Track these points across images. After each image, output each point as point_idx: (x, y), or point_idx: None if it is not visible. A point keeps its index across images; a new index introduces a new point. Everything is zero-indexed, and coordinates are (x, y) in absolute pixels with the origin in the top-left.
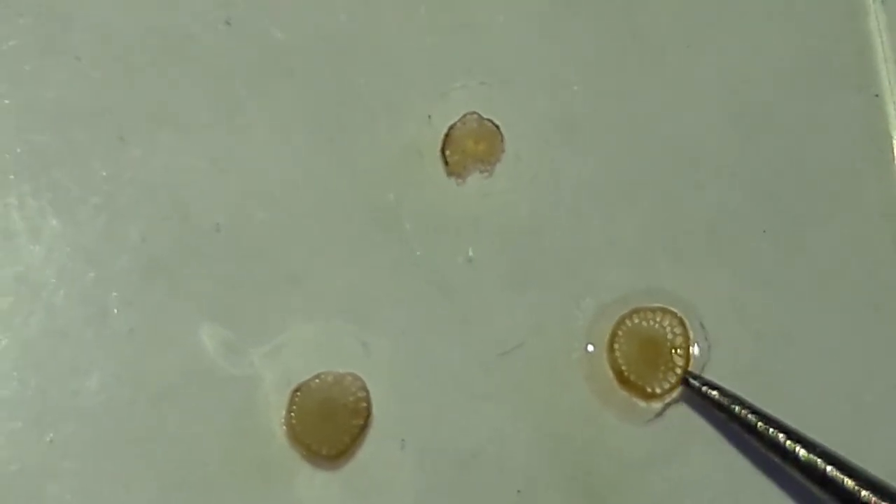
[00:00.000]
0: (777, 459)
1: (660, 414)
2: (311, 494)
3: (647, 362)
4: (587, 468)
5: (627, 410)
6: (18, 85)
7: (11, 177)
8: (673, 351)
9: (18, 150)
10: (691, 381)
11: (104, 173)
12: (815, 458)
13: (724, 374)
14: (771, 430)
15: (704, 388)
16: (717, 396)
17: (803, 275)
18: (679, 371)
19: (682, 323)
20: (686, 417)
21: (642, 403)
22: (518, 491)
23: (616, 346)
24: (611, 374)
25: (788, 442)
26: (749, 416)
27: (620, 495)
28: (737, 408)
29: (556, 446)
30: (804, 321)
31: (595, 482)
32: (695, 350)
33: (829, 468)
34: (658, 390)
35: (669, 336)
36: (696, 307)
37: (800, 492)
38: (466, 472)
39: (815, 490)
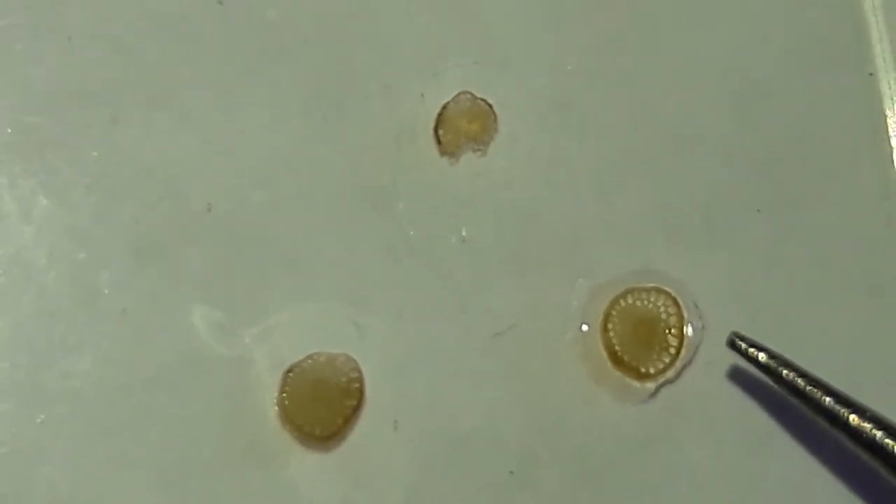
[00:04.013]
0: (825, 424)
1: (654, 394)
2: (304, 475)
3: (641, 342)
4: (580, 448)
5: (621, 391)
6: (10, 65)
7: (2, 157)
8: (667, 331)
9: (9, 131)
10: (737, 341)
11: (96, 154)
12: (866, 423)
13: (718, 355)
14: (820, 394)
15: (751, 350)
16: (764, 359)
17: (798, 255)
18: (673, 351)
19: (676, 303)
20: (680, 398)
21: (636, 384)
22: (511, 472)
23: (610, 326)
24: (605, 354)
25: (837, 406)
26: (797, 379)
27: (614, 475)
28: (784, 371)
29: (550, 427)
30: (799, 302)
31: (588, 462)
32: (689, 330)
33: (878, 434)
34: (652, 370)
35: (663, 316)
36: (690, 287)
37: (792, 473)
38: (459, 453)
39: (865, 455)
